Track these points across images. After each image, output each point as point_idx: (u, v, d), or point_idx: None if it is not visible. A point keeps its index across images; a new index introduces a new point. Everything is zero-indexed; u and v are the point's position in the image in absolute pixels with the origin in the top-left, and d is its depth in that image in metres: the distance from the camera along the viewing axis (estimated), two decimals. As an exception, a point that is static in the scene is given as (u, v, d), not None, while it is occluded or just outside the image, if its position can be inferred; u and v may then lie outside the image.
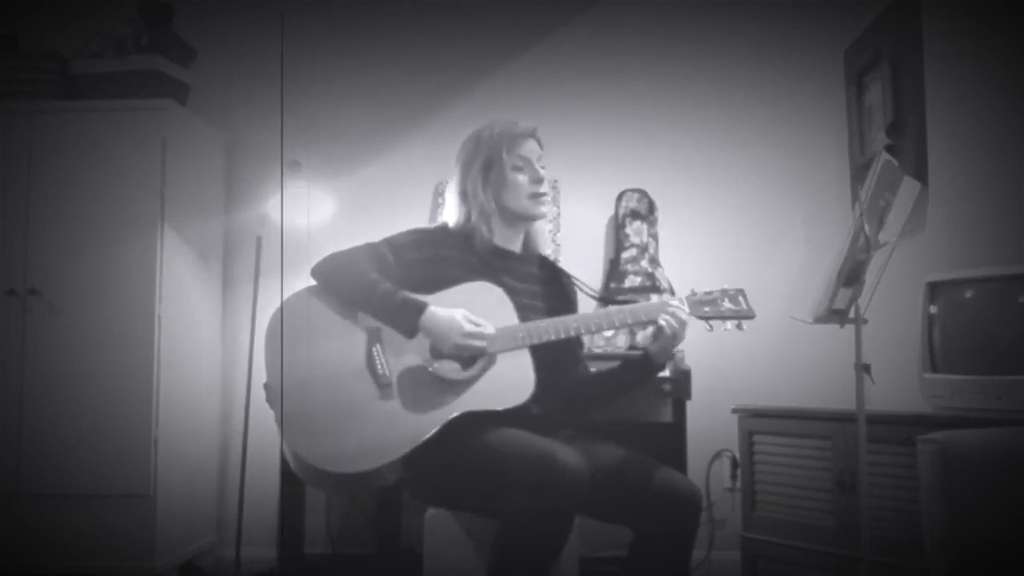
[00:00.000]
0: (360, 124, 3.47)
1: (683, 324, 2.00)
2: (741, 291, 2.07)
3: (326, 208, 3.28)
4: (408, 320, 1.94)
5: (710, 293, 2.06)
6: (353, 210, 3.36)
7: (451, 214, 2.15)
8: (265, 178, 3.36)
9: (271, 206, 3.20)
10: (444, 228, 2.15)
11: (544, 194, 2.13)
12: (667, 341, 2.01)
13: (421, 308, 1.94)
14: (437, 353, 1.96)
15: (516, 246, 2.18)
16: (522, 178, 2.10)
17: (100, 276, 3.00)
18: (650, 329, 2.07)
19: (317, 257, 2.08)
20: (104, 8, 3.50)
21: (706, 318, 2.03)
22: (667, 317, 2.00)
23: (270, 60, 3.54)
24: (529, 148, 2.13)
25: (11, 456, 2.95)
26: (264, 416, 3.17)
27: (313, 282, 2.05)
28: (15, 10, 3.53)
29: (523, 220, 2.15)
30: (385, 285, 1.98)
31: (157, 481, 2.95)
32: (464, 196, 2.12)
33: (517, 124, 2.14)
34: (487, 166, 2.10)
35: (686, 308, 2.02)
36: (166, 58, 3.28)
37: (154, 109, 3.09)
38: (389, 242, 2.10)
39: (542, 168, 2.14)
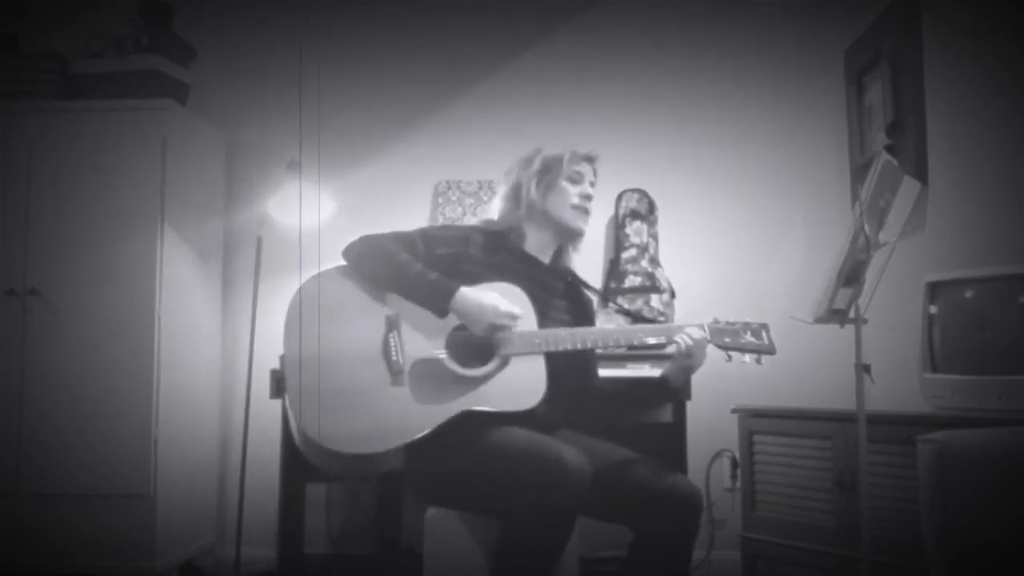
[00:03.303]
0: (360, 124, 3.47)
1: (700, 344, 2.00)
2: (765, 326, 2.09)
3: (326, 208, 3.27)
4: (440, 300, 1.96)
5: (733, 324, 2.07)
6: (353, 210, 3.36)
7: (495, 211, 2.20)
8: (265, 178, 3.36)
9: (271, 206, 3.20)
10: (478, 228, 2.19)
11: (587, 211, 2.17)
12: (682, 360, 2.02)
13: (453, 289, 1.96)
14: (459, 343, 1.97)
15: (546, 257, 2.21)
16: (572, 188, 2.15)
17: (100, 276, 3.00)
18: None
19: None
20: (104, 8, 3.50)
21: (726, 348, 2.04)
22: (683, 336, 2.00)
23: (270, 60, 3.54)
24: (586, 168, 2.19)
25: (11, 456, 2.95)
26: (264, 416, 3.20)
27: (343, 262, 2.06)
28: (15, 10, 3.52)
29: (561, 231, 2.18)
30: (417, 266, 2.00)
31: (157, 481, 2.95)
32: (515, 191, 2.16)
33: (580, 147, 2.20)
34: (544, 169, 2.15)
35: (706, 334, 2.02)
36: (166, 58, 3.28)
37: (154, 109, 3.09)
38: (422, 232, 2.13)
39: (592, 188, 2.19)
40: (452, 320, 1.99)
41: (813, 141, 3.39)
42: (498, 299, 1.96)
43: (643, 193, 3.34)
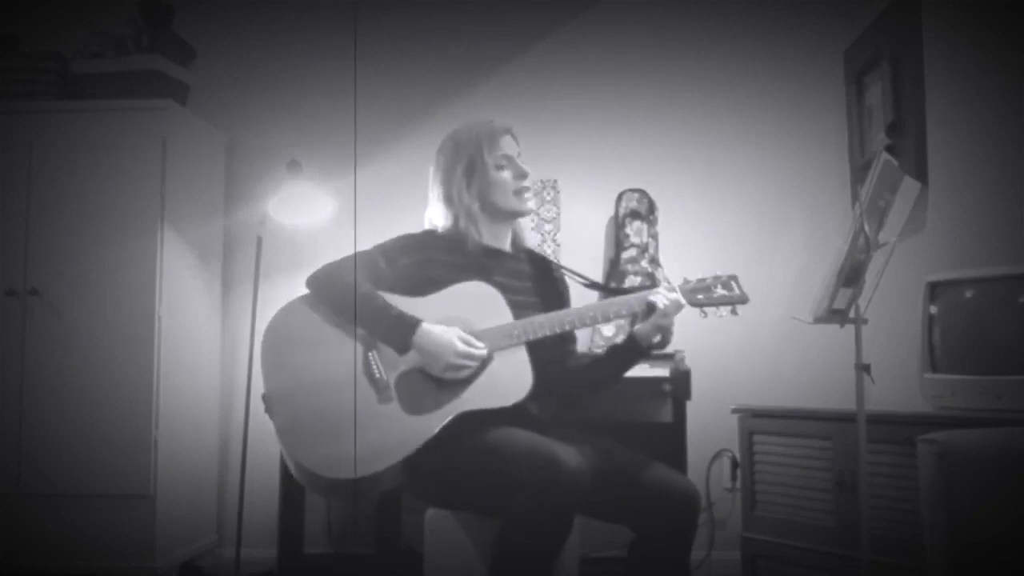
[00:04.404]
0: (360, 124, 3.47)
1: (675, 302, 1.99)
2: (734, 277, 2.07)
3: (326, 208, 3.28)
4: (401, 338, 1.95)
5: (703, 280, 2.05)
6: (353, 210, 3.35)
7: (437, 218, 2.16)
8: (265, 178, 3.36)
9: (271, 206, 3.20)
10: (432, 232, 2.16)
11: (528, 189, 2.14)
12: (659, 318, 1.99)
13: (415, 325, 1.94)
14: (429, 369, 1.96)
15: (505, 244, 2.18)
16: (506, 175, 2.11)
17: (100, 276, 3.00)
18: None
19: (315, 257, 2.09)
20: (104, 8, 3.50)
21: (700, 305, 2.03)
22: (660, 297, 1.99)
23: (270, 59, 3.54)
24: (508, 145, 2.14)
25: (11, 456, 2.95)
26: (264, 417, 3.19)
27: (307, 290, 2.06)
28: (15, 10, 3.53)
29: (510, 217, 2.16)
30: (379, 300, 1.98)
31: (157, 481, 2.95)
32: (449, 201, 2.12)
33: (492, 122, 2.14)
34: (470, 168, 2.11)
35: (680, 295, 2.01)
36: (166, 58, 3.28)
37: (154, 109, 3.09)
38: (380, 249, 2.10)
39: (523, 164, 2.15)
40: None
41: (813, 141, 3.38)
42: (458, 339, 1.93)
43: (643, 193, 3.34)
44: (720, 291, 2.03)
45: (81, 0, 3.56)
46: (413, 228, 2.20)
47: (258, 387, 3.04)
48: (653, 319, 2.00)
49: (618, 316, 2.05)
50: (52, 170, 3.05)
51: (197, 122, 3.31)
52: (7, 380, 2.98)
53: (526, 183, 2.12)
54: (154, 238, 3.01)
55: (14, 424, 2.97)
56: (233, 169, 3.52)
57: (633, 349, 2.07)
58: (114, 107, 3.10)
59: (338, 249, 2.11)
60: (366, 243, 2.13)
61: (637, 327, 2.06)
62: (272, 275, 3.30)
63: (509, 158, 2.12)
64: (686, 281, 2.05)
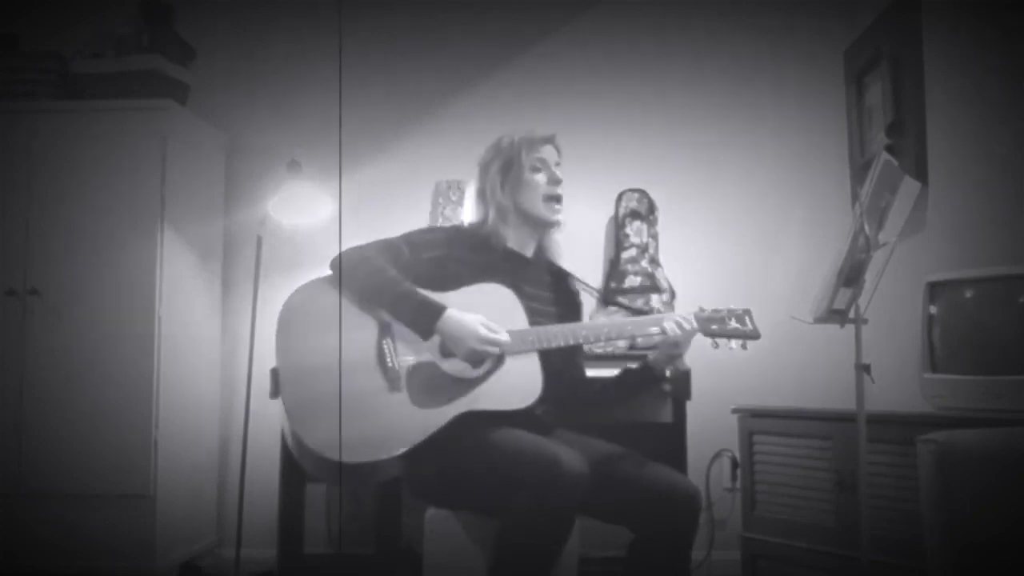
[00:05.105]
0: (360, 124, 3.47)
1: (687, 333, 2.02)
2: (748, 311, 2.09)
3: (326, 208, 3.28)
4: (426, 322, 1.95)
5: (718, 311, 2.07)
6: (353, 210, 3.36)
7: (469, 214, 2.19)
8: (265, 178, 3.36)
9: (271, 206, 3.20)
10: (460, 228, 2.19)
11: (559, 197, 2.15)
12: (669, 348, 2.03)
13: (440, 311, 1.95)
14: (448, 353, 1.97)
15: (529, 251, 2.20)
16: (539, 178, 2.14)
17: (100, 276, 3.00)
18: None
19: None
20: (104, 8, 3.50)
21: (713, 336, 2.06)
22: (671, 323, 2.01)
23: (270, 60, 3.54)
24: (547, 152, 2.17)
25: (11, 456, 2.95)
26: (264, 416, 3.20)
27: (329, 271, 2.06)
28: (15, 10, 3.52)
29: (537, 224, 2.17)
30: (405, 284, 1.99)
31: (157, 481, 2.95)
32: (482, 196, 2.15)
33: (536, 129, 2.18)
34: (506, 167, 2.13)
35: (693, 322, 2.03)
36: (166, 58, 3.28)
37: (154, 109, 3.09)
38: (406, 238, 2.12)
39: (559, 168, 2.17)
40: None
41: (813, 141, 3.38)
42: (482, 325, 1.94)
43: (643, 193, 3.34)
44: (733, 324, 2.06)
45: (81, 0, 3.56)
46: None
47: (258, 388, 3.09)
48: (665, 348, 2.04)
49: (632, 337, 2.08)
50: (52, 170, 3.04)
51: (197, 122, 3.31)
52: (7, 380, 2.98)
53: (558, 190, 2.14)
54: (154, 238, 3.01)
55: (14, 424, 2.96)
56: (233, 169, 3.52)
57: (648, 375, 2.11)
58: (114, 107, 3.10)
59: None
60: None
61: (651, 356, 2.10)
62: (272, 275, 3.30)
63: (545, 162, 2.15)
64: (701, 310, 2.08)
